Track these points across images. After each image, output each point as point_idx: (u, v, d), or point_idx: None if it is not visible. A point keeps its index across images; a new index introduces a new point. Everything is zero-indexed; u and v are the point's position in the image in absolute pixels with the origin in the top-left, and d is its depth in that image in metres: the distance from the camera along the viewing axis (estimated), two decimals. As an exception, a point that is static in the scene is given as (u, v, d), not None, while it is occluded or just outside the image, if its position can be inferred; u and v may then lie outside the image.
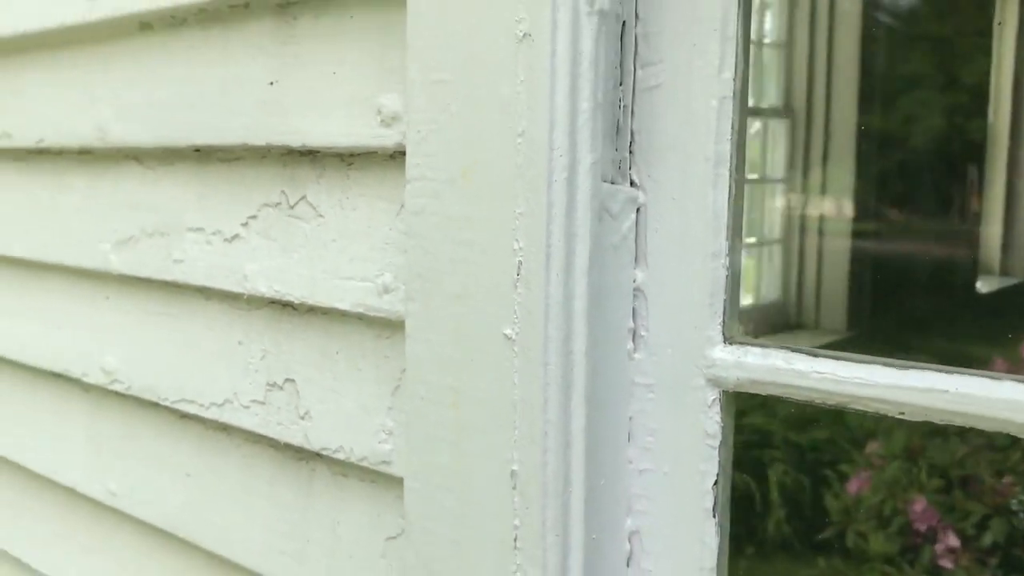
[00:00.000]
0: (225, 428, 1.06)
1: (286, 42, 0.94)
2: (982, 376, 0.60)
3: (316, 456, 0.96)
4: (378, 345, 0.89)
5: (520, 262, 0.70)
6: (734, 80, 0.68)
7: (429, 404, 0.78)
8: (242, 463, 1.04)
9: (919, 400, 0.62)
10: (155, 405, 1.14)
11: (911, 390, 0.62)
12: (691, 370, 0.72)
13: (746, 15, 0.68)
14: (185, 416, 1.11)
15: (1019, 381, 0.59)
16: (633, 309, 0.75)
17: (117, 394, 1.20)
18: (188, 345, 1.09)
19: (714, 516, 0.73)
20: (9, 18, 1.27)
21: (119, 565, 1.25)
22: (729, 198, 0.70)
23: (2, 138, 1.33)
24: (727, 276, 0.70)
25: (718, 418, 0.72)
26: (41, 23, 1.21)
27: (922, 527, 3.09)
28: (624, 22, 0.71)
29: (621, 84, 0.72)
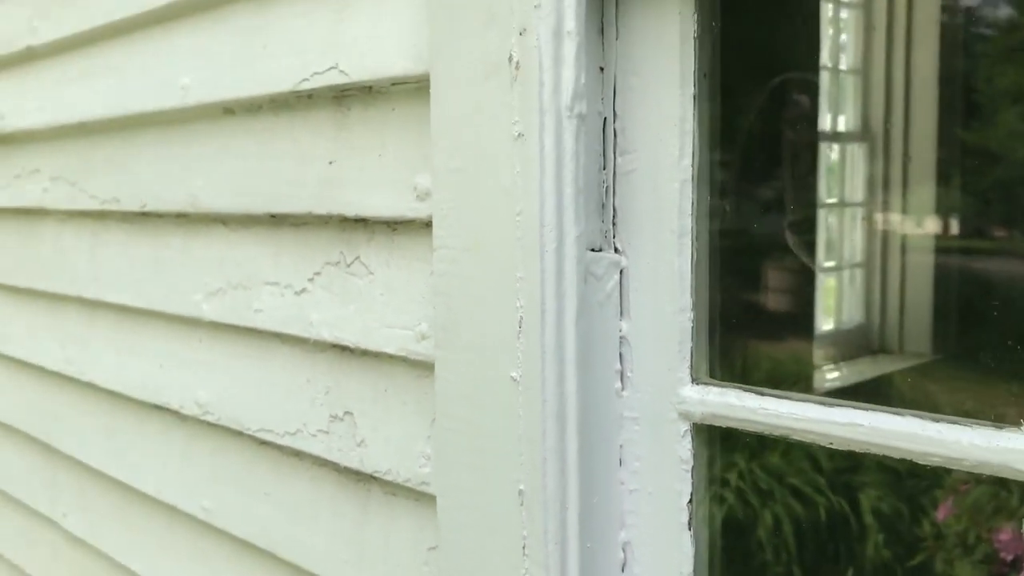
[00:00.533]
0: (297, 453, 1.24)
1: (342, 128, 1.12)
2: (889, 412, 0.73)
3: (371, 478, 1.13)
4: (419, 384, 1.05)
5: (521, 317, 0.85)
6: (692, 166, 0.82)
7: (454, 434, 0.94)
8: (310, 484, 1.21)
9: (840, 432, 0.75)
10: (239, 434, 1.33)
11: (834, 424, 0.75)
12: (666, 406, 0.86)
13: (700, 113, 0.82)
14: (264, 443, 1.29)
15: (918, 416, 0.71)
16: (620, 354, 0.89)
17: (208, 424, 1.39)
18: (266, 382, 1.27)
19: (689, 529, 0.86)
20: (118, 101, 1.49)
21: (214, 573, 1.44)
22: (692, 263, 0.84)
23: (112, 203, 1.55)
24: (692, 327, 0.84)
25: (690, 446, 0.85)
26: (144, 106, 1.43)
27: (1008, 556, 3.08)
28: (605, 118, 0.86)
29: (604, 168, 0.87)
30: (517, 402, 0.87)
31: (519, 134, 0.84)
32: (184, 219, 1.41)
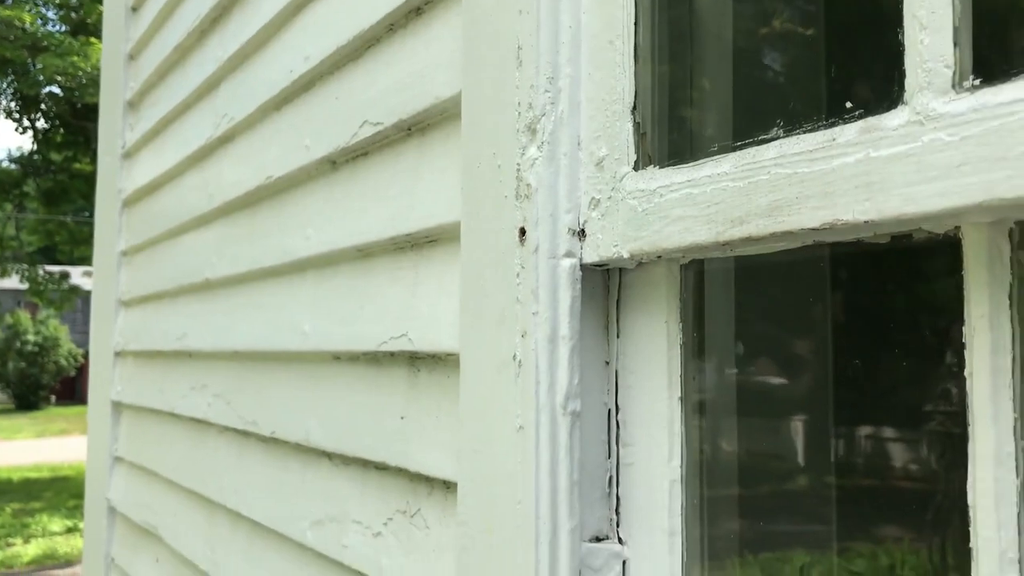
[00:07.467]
0: None
1: (412, 387, 1.21)
2: None
3: None
4: (459, 643, 1.08)
5: (519, 604, 0.88)
6: (680, 467, 0.84)
7: None
8: None
9: None
10: (326, 662, 1.39)
11: None
12: None
13: (687, 415, 0.84)
14: (343, 676, 1.34)
15: None
16: (623, 647, 0.89)
17: (305, 647, 1.47)
18: (348, 616, 1.34)
19: None
20: (260, 336, 1.67)
21: None
22: (682, 565, 0.84)
23: (252, 425, 1.72)
24: (683, 631, 0.84)
25: None
26: (276, 345, 1.60)
27: None
28: (610, 410, 0.90)
29: (609, 457, 0.90)
30: None
31: (520, 427, 0.89)
32: (300, 449, 1.54)
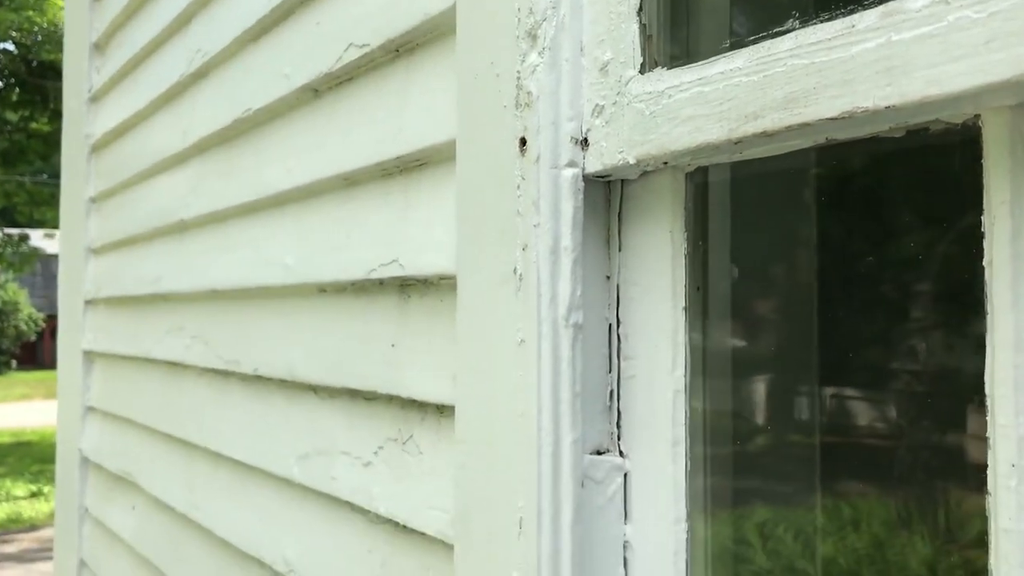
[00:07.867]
0: (358, 621, 1.28)
1: (403, 314, 1.20)
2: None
3: (415, 655, 1.15)
4: (452, 568, 1.08)
5: (521, 518, 0.88)
6: (684, 377, 0.84)
7: (468, 625, 0.95)
8: (366, 654, 1.25)
9: (815, 667, 0.72)
10: (314, 595, 1.39)
11: (809, 658, 0.72)
12: (663, 616, 0.85)
13: (691, 325, 0.84)
14: (332, 608, 1.34)
15: None
16: (625, 559, 0.89)
17: (293, 582, 1.46)
18: (339, 550, 1.33)
19: None
20: (240, 273, 1.64)
21: None
22: (686, 473, 0.84)
23: (233, 364, 1.69)
24: (687, 539, 0.84)
25: (686, 661, 0.83)
26: (257, 280, 1.57)
27: None
28: (610, 324, 0.89)
29: (610, 372, 0.90)
30: (518, 601, 0.88)
31: (521, 340, 0.88)
32: (285, 385, 1.53)
